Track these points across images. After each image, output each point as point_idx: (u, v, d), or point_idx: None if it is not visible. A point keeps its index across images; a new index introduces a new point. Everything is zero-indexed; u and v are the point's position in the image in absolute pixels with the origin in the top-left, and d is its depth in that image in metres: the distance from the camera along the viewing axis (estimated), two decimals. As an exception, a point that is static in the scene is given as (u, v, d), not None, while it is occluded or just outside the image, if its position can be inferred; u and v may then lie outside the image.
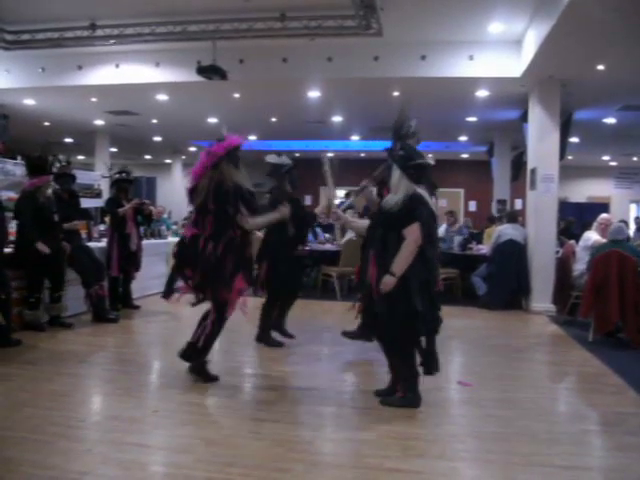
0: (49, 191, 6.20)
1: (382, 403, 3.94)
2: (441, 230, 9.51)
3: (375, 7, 6.67)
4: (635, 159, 16.56)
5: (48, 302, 6.13)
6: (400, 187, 3.78)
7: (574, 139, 11.84)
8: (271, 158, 5.48)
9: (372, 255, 3.85)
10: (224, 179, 4.16)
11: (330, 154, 11.78)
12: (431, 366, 3.87)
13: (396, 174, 3.81)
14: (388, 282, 3.67)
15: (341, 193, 12.12)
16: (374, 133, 12.69)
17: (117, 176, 7.38)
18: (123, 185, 7.25)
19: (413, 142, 4.19)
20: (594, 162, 17.37)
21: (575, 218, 11.77)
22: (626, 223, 12.17)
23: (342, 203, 8.19)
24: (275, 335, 5.62)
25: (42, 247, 5.70)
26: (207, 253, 4.14)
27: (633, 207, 19.13)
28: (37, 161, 6.00)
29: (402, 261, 3.67)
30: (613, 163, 17.71)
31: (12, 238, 6.03)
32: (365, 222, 4.40)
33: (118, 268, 7.04)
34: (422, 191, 3.82)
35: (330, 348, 5.77)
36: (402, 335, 3.78)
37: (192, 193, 4.29)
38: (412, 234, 3.67)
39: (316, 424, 3.62)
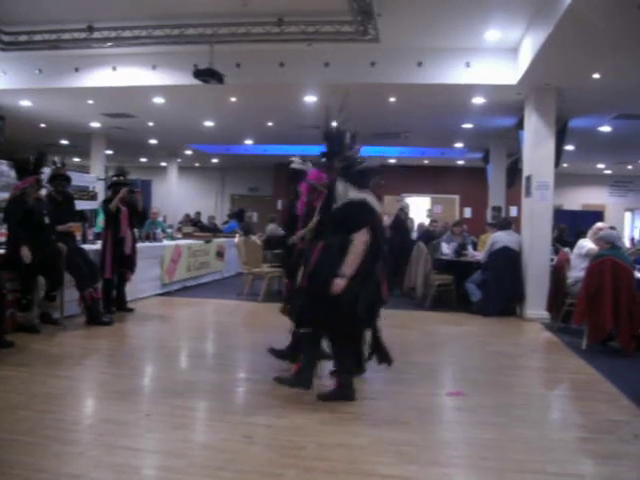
0: (41, 192, 6.17)
1: (319, 398, 4.15)
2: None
3: (372, 13, 6.70)
4: (630, 167, 16.65)
5: (42, 298, 6.11)
6: (348, 195, 4.04)
7: (569, 147, 11.89)
8: (295, 164, 5.33)
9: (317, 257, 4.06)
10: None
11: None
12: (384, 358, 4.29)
13: (340, 184, 4.09)
14: (339, 283, 3.86)
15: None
16: (377, 140, 12.67)
17: (114, 179, 7.40)
18: (119, 189, 7.20)
19: (354, 151, 4.47)
20: (589, 170, 17.45)
21: (569, 225, 11.77)
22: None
23: None
24: None
25: (25, 253, 5.61)
26: None
27: (627, 215, 19.22)
28: (20, 163, 5.97)
29: (352, 263, 3.89)
30: (608, 171, 17.80)
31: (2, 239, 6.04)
32: None
33: (111, 270, 7.02)
34: (368, 196, 4.09)
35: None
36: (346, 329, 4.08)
37: None
38: (360, 238, 3.91)
39: (309, 429, 3.62)
